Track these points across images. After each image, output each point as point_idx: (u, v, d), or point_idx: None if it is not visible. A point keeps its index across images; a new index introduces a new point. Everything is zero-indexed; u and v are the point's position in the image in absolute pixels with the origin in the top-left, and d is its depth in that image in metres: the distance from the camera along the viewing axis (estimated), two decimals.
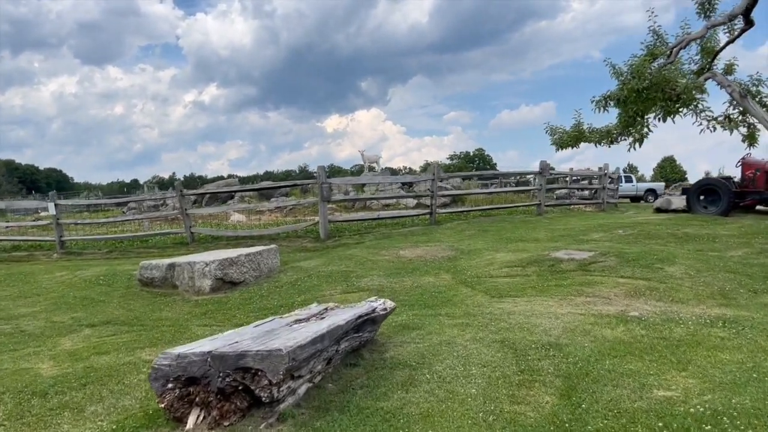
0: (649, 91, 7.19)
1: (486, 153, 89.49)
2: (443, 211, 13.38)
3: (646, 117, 7.73)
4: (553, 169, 16.65)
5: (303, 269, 7.96)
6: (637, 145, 8.29)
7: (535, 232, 10.37)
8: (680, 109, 7.26)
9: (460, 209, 14.04)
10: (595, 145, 9.22)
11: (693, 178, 51.70)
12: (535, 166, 15.38)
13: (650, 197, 27.84)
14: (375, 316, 4.13)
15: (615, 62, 7.99)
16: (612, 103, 7.96)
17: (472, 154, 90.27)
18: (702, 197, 12.79)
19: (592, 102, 8.53)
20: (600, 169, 17.32)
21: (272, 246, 8.25)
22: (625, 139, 8.96)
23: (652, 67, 7.41)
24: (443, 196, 14.54)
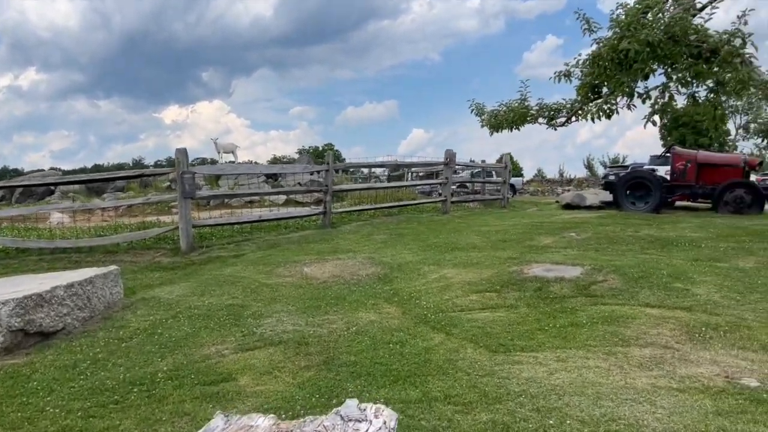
0: (666, 46, 5.76)
1: (336, 148, 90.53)
2: (340, 210, 11.28)
3: (635, 83, 6.30)
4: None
5: (163, 302, 5.44)
6: (597, 118, 6.91)
7: (461, 235, 8.69)
8: (715, 69, 5.91)
9: (358, 208, 12.03)
10: (548, 125, 7.77)
11: (527, 173, 54.54)
12: (382, 160, 13.87)
13: (510, 192, 28.10)
14: None
15: (588, 15, 6.54)
16: (587, 66, 6.51)
17: (321, 149, 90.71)
18: (629, 192, 12.04)
19: (554, 74, 7.05)
20: (502, 161, 16.31)
21: (111, 269, 5.59)
22: (579, 115, 7.60)
23: (664, 17, 6.02)
24: (341, 191, 12.42)
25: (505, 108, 8.20)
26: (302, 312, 4.89)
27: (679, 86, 6.29)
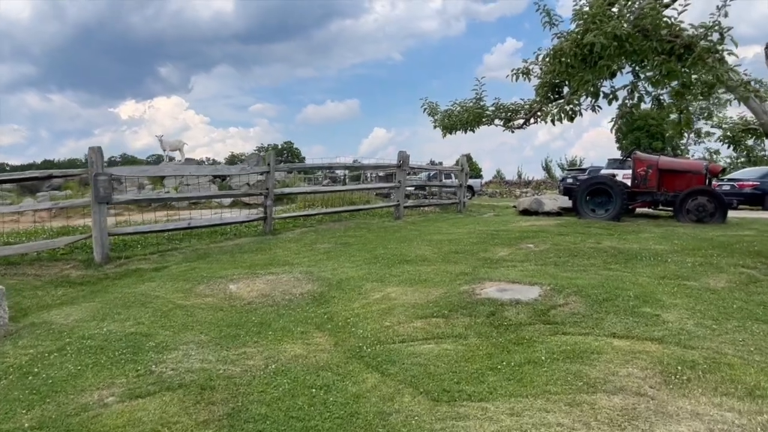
0: (634, 40, 5.26)
1: (295, 146, 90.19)
2: (283, 215, 10.55)
3: (600, 82, 5.79)
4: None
5: (54, 329, 4.66)
6: (558, 120, 6.42)
7: (412, 245, 8.10)
8: (687, 68, 5.41)
9: (301, 213, 11.32)
10: (504, 127, 7.24)
11: (487, 175, 54.90)
12: (342, 160, 13.35)
13: (468, 194, 27.92)
14: None
15: (549, 7, 6.03)
16: (547, 63, 6.00)
17: (280, 146, 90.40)
18: (589, 198, 11.67)
19: (511, 71, 6.52)
20: (459, 163, 15.83)
21: None
22: (538, 117, 7.11)
23: (632, 8, 5.51)
24: (283, 195, 11.69)
25: (459, 108, 7.66)
26: (216, 343, 4.20)
27: (649, 86, 5.84)
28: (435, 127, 7.99)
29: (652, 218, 12.09)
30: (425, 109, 8.39)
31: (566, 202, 13.10)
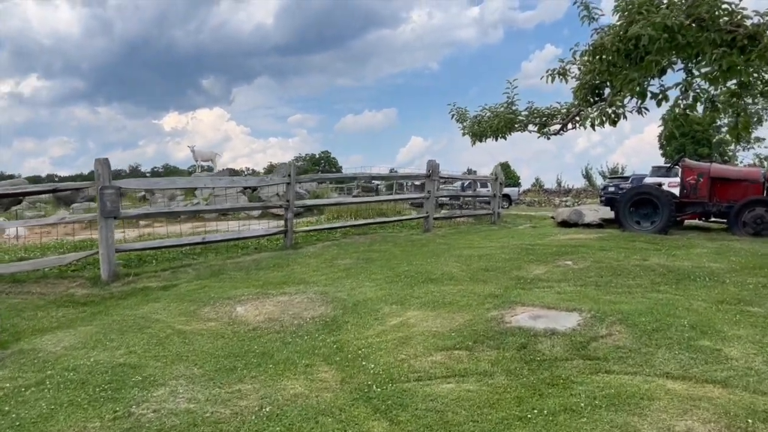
0: (688, 31, 4.67)
1: (332, 155, 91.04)
2: (305, 229, 10.16)
3: (648, 79, 5.17)
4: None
5: (40, 358, 4.31)
6: (599, 125, 5.82)
7: (439, 261, 7.59)
8: (751, 61, 4.78)
9: (327, 226, 10.91)
10: (539, 134, 6.69)
11: (525, 183, 53.97)
12: (377, 170, 12.92)
13: (505, 203, 27.18)
14: None
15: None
16: (586, 62, 5.44)
17: (317, 156, 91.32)
18: (633, 209, 10.93)
19: (547, 72, 5.98)
20: (493, 172, 15.23)
21: None
22: (576, 122, 6.53)
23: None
24: (301, 208, 11.34)
25: (489, 113, 7.12)
26: (209, 378, 3.77)
27: (705, 83, 5.18)
28: (464, 134, 7.48)
29: (703, 231, 11.27)
30: (453, 116, 7.89)
31: (608, 213, 12.38)
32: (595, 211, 12.74)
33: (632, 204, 10.88)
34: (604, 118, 5.62)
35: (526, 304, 5.05)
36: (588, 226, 12.21)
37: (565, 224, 13.00)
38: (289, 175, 9.17)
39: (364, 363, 3.94)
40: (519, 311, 4.81)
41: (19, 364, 4.21)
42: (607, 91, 6.07)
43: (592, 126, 5.75)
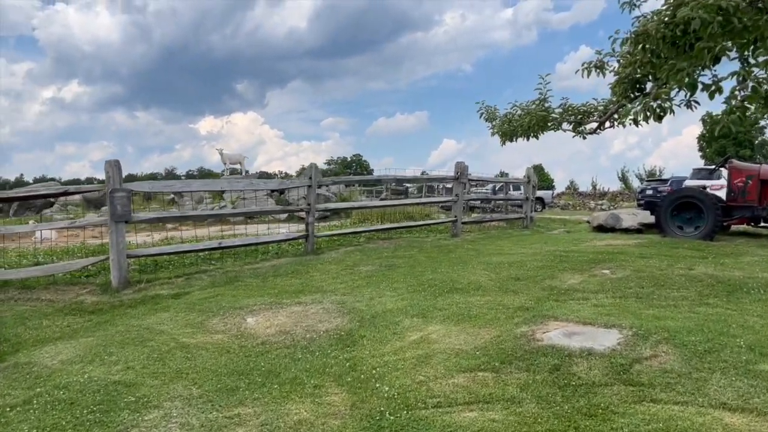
0: (744, 14, 4.18)
1: (363, 158, 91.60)
2: (326, 233, 9.85)
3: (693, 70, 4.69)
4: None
5: (33, 373, 4.06)
6: (644, 120, 5.34)
7: (466, 269, 7.19)
8: None
9: (352, 230, 10.58)
10: (574, 132, 6.23)
11: (559, 186, 52.94)
12: (410, 172, 12.55)
13: (538, 206, 26.56)
14: None
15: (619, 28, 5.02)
16: (626, 54, 4.98)
17: (349, 159, 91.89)
18: (675, 213, 10.32)
19: (582, 66, 5.54)
20: (527, 177, 14.71)
21: None
22: (615, 119, 6.06)
23: None
24: (327, 211, 11.05)
25: (520, 111, 6.68)
26: (207, 400, 3.46)
27: (766, 73, 4.64)
28: (493, 133, 7.04)
29: (752, 237, 10.60)
30: (482, 114, 7.48)
31: (647, 217, 11.79)
32: (633, 215, 12.15)
33: (674, 208, 10.26)
34: (648, 113, 5.13)
35: (560, 318, 4.62)
36: (626, 231, 11.64)
37: (601, 229, 12.45)
38: (311, 178, 8.87)
39: (378, 385, 3.57)
40: (552, 327, 4.39)
41: (10, 380, 3.97)
42: (649, 85, 5.60)
43: (635, 122, 5.27)
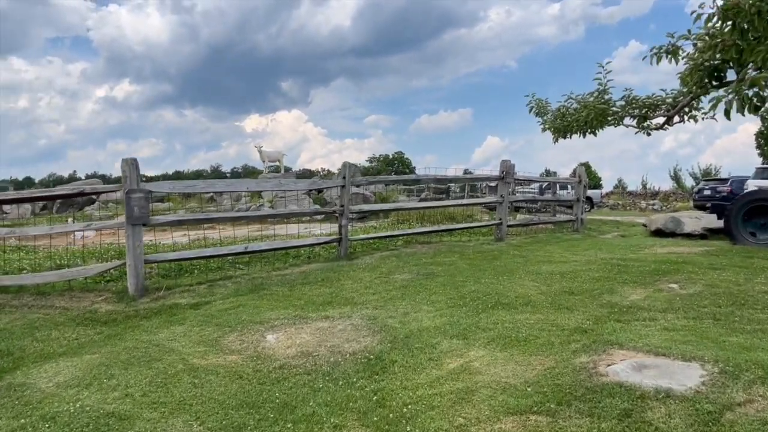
0: None
1: (405, 156, 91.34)
2: (361, 237, 9.33)
3: None
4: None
5: (25, 397, 3.66)
6: (740, 112, 4.60)
7: (512, 279, 6.56)
8: None
9: (389, 233, 10.04)
10: (638, 128, 5.54)
11: (606, 185, 51.22)
12: (452, 171, 11.92)
13: (587, 206, 25.56)
14: None
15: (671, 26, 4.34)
16: (705, 38, 4.30)
17: (391, 156, 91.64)
18: (747, 218, 9.42)
19: (651, 51, 4.88)
20: (575, 174, 13.91)
21: None
22: (685, 113, 5.35)
23: None
24: (361, 213, 10.53)
25: (575, 104, 6.02)
26: None
27: None
28: (544, 129, 6.41)
29: None
30: (532, 108, 6.84)
31: (712, 221, 10.88)
32: (696, 218, 11.24)
33: (746, 212, 9.37)
34: (743, 103, 4.39)
35: (626, 346, 3.97)
36: (688, 236, 10.77)
37: (659, 233, 11.60)
38: (344, 178, 8.36)
39: (409, 429, 3.02)
40: (617, 357, 3.75)
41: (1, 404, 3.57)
42: (730, 73, 4.88)
43: (727, 114, 4.53)
